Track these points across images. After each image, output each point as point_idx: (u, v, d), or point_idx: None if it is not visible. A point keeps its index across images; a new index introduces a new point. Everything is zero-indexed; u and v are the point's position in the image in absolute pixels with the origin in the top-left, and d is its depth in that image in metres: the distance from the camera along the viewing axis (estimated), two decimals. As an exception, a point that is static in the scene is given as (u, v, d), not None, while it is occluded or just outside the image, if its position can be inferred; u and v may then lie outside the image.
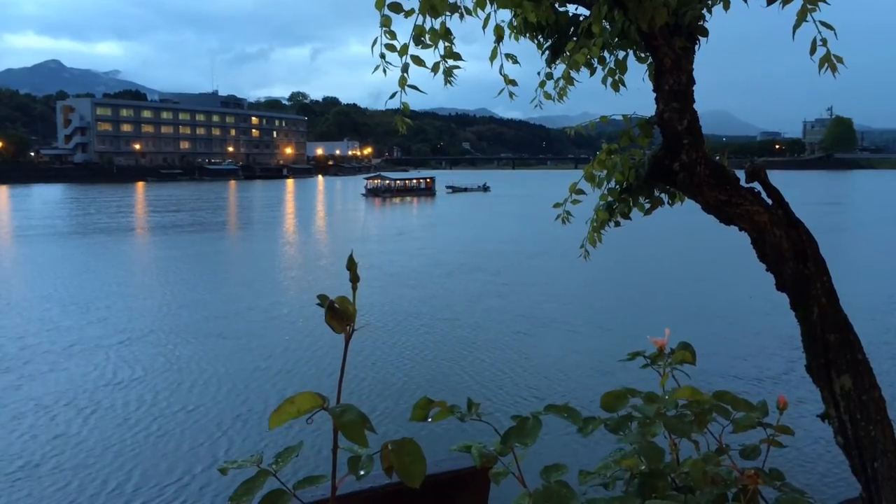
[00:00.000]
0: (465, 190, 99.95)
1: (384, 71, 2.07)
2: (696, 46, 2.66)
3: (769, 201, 2.66)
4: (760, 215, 2.60)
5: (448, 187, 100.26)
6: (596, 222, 2.73)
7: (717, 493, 1.30)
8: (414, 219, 63.60)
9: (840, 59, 1.93)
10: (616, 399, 1.46)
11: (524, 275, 27.86)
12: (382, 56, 2.05)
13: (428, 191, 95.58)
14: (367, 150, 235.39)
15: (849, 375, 2.53)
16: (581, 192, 2.66)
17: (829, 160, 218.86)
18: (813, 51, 1.94)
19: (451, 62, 2.20)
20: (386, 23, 1.96)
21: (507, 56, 2.43)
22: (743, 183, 2.69)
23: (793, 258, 2.60)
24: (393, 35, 2.03)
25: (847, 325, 2.60)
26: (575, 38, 2.85)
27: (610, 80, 2.88)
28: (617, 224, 2.75)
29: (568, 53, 2.83)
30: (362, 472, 1.14)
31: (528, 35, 2.96)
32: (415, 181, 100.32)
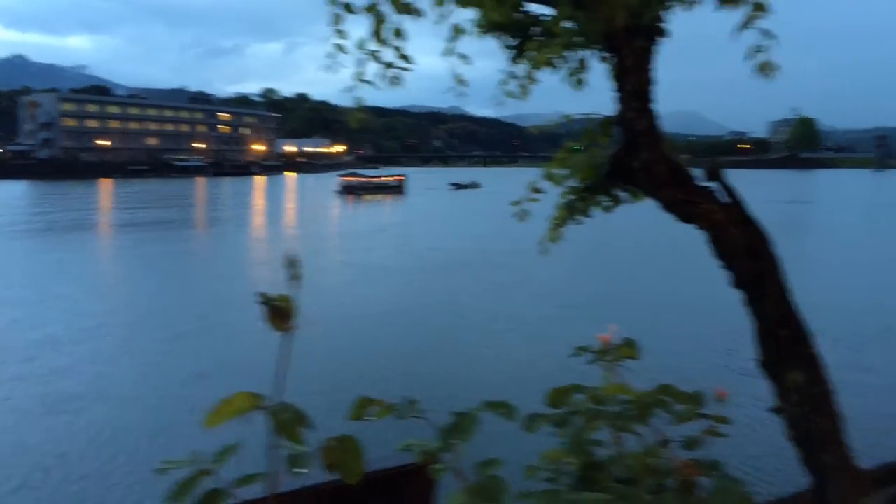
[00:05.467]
0: (466, 187, 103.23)
1: (337, 69, 2.09)
2: (657, 47, 2.71)
3: (727, 200, 2.73)
4: (717, 214, 2.66)
5: (451, 184, 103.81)
6: (557, 220, 2.77)
7: (656, 483, 1.34)
8: (389, 216, 63.49)
9: (776, 66, 2.01)
10: (562, 395, 1.49)
11: (498, 271, 27.94)
12: (338, 50, 2.07)
13: (399, 188, 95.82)
14: (339, 147, 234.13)
15: (800, 370, 2.60)
16: (539, 190, 2.70)
17: (793, 159, 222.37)
18: (753, 56, 2.01)
19: (401, 63, 2.22)
20: (337, 20, 1.98)
21: (460, 56, 2.46)
22: (702, 182, 2.75)
23: (748, 256, 2.67)
24: (343, 34, 2.05)
25: (799, 320, 2.67)
26: (538, 38, 2.89)
27: (572, 79, 2.92)
28: (578, 222, 2.79)
29: (530, 53, 2.86)
30: (301, 470, 1.15)
31: (492, 34, 3.00)
32: (386, 179, 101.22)
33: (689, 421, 1.49)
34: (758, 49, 2.13)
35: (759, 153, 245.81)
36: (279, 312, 1.18)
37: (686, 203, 2.60)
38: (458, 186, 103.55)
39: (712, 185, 2.71)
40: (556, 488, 1.31)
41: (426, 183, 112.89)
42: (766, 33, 2.09)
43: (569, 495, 1.23)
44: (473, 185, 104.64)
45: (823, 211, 69.15)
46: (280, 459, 1.17)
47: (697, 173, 2.72)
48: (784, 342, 2.64)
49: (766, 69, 2.15)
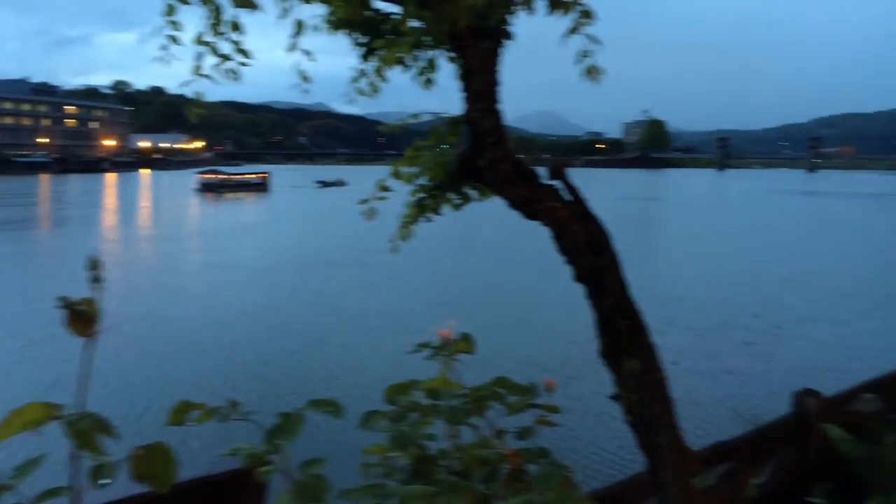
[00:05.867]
0: (332, 185, 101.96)
1: (168, 61, 2.01)
2: (502, 49, 2.78)
3: (569, 198, 2.84)
4: (560, 211, 2.76)
5: (317, 182, 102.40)
6: (407, 218, 2.78)
7: (487, 473, 1.38)
8: (251, 214, 61.79)
9: (602, 70, 2.12)
10: (399, 391, 1.51)
11: (366, 269, 27.81)
12: (170, 42, 1.99)
13: (262, 186, 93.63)
14: (198, 144, 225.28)
15: (637, 358, 2.76)
16: (387, 188, 2.71)
17: (645, 159, 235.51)
18: (581, 61, 2.12)
19: (239, 57, 2.17)
20: (171, 11, 1.91)
21: (305, 52, 2.42)
22: (546, 181, 2.85)
23: (589, 251, 2.79)
24: (177, 26, 1.98)
25: (636, 311, 2.82)
26: (387, 36, 2.89)
27: (421, 78, 2.94)
28: (428, 220, 2.82)
29: (379, 51, 2.87)
30: (106, 482, 1.10)
31: (342, 30, 2.98)
32: (249, 176, 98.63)
33: (522, 412, 1.54)
34: (585, 54, 2.24)
35: (614, 153, 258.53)
36: (81, 317, 1.12)
37: (530, 201, 2.68)
38: (324, 184, 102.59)
39: (556, 183, 2.81)
40: (381, 483, 1.32)
41: (291, 181, 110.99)
42: (592, 39, 2.20)
43: (393, 489, 1.24)
44: (339, 183, 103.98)
45: (672, 208, 73.67)
46: (84, 472, 1.10)
47: (542, 172, 2.82)
48: (622, 333, 2.78)
49: (592, 73, 2.26)
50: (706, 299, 23.20)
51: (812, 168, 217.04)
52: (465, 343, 1.61)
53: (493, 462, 1.40)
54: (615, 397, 2.79)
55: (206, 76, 2.15)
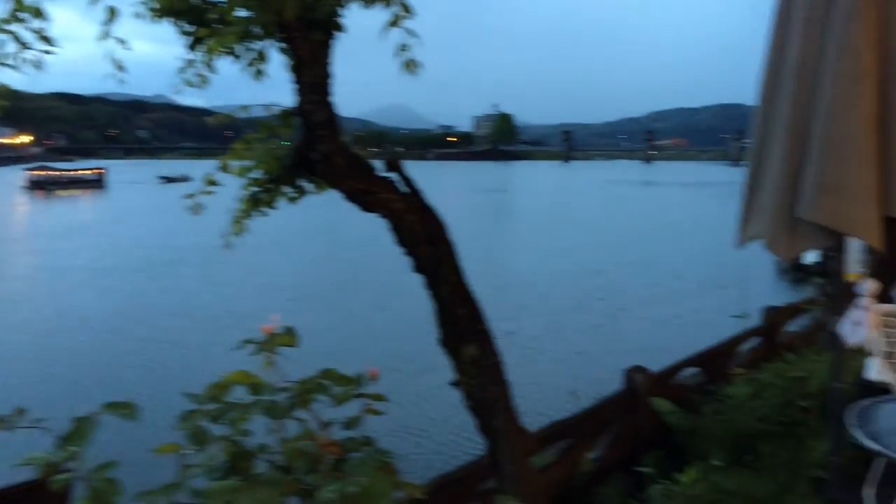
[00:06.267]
0: (177, 180, 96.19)
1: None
2: (334, 41, 2.76)
3: (406, 190, 2.87)
4: (396, 203, 2.79)
5: (160, 178, 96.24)
6: (241, 212, 2.72)
7: (307, 465, 1.38)
8: (88, 213, 57.98)
9: (419, 64, 2.18)
10: (221, 388, 1.47)
11: (218, 268, 26.73)
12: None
13: (98, 182, 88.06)
14: (25, 138, 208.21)
15: (475, 344, 2.84)
16: (215, 182, 2.63)
17: (495, 152, 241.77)
18: (400, 54, 2.15)
19: (42, 45, 2.03)
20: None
21: (119, 40, 2.30)
22: (382, 173, 2.87)
23: (426, 242, 2.84)
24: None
25: (473, 300, 2.90)
26: (215, 25, 2.80)
27: (251, 69, 2.87)
28: (263, 214, 2.77)
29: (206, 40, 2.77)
30: None
31: (166, 19, 2.85)
32: (83, 172, 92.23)
33: (347, 402, 1.55)
34: (403, 47, 2.27)
35: (466, 146, 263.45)
36: None
37: (366, 193, 2.69)
38: (168, 180, 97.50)
39: (392, 175, 2.83)
40: (178, 482, 1.28)
41: (131, 176, 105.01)
42: (410, 33, 2.24)
43: (196, 487, 1.22)
44: (184, 179, 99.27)
45: (522, 199, 76.16)
46: None
47: (378, 165, 2.83)
48: (460, 320, 2.86)
49: (410, 66, 2.30)
50: (556, 285, 24.17)
51: (648, 159, 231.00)
52: (288, 337, 1.59)
53: (313, 453, 1.40)
54: (455, 384, 2.86)
55: (9, 65, 2.00)
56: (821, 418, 4.02)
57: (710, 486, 3.45)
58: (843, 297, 2.75)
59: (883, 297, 3.21)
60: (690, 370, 5.30)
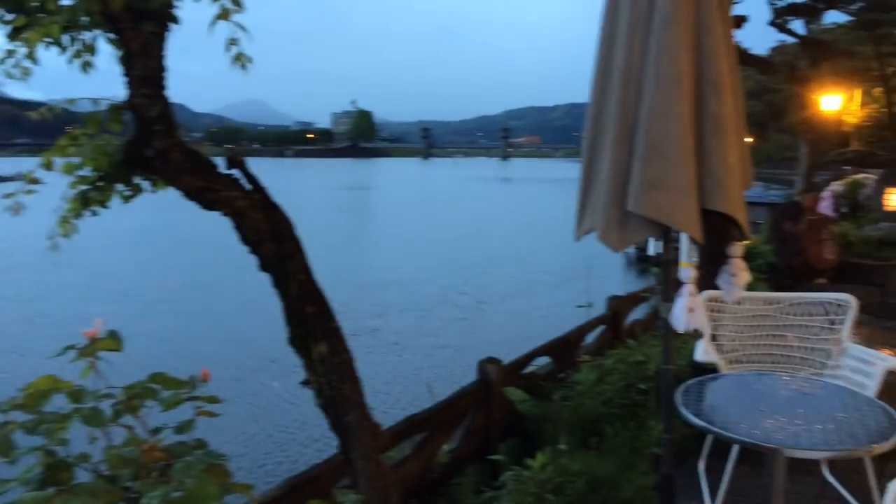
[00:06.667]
0: (11, 179, 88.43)
1: None
2: (167, 33, 2.65)
3: (249, 187, 2.80)
4: (239, 200, 2.71)
5: None
6: (69, 211, 2.56)
7: (132, 472, 1.33)
8: None
9: (250, 59, 2.16)
10: (38, 397, 1.39)
11: (62, 270, 24.89)
12: None
13: None
14: None
15: (325, 342, 2.82)
16: (36, 180, 2.47)
17: (355, 149, 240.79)
18: (230, 49, 2.12)
19: None
20: None
21: None
22: (223, 171, 2.78)
23: (271, 240, 2.78)
24: None
25: (322, 297, 2.88)
26: (38, 14, 2.62)
27: (78, 60, 2.70)
28: (94, 213, 2.62)
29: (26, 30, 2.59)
30: None
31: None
32: None
33: (177, 406, 1.50)
34: (233, 41, 2.23)
35: (325, 143, 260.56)
36: None
37: (205, 190, 2.61)
38: (1, 179, 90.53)
39: (234, 172, 2.76)
40: None
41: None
42: (240, 27, 2.21)
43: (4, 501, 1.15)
44: (19, 178, 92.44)
45: (382, 196, 76.18)
46: None
47: (219, 162, 2.75)
48: (310, 319, 2.83)
49: (240, 60, 2.27)
50: (419, 281, 24.32)
51: (505, 157, 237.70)
52: (111, 341, 1.52)
53: (138, 460, 1.34)
54: (305, 383, 2.83)
55: None
56: (657, 399, 4.30)
57: (558, 470, 3.61)
58: (672, 285, 2.94)
59: (709, 284, 3.46)
60: (542, 359, 5.51)
